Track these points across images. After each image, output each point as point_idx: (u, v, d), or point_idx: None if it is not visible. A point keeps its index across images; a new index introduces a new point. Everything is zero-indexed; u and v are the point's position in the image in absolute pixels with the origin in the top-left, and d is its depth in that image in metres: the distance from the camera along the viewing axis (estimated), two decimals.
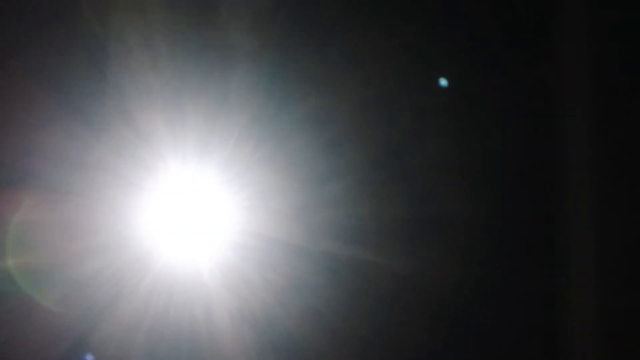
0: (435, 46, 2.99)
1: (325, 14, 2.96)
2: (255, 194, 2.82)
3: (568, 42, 3.03)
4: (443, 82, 2.96)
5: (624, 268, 2.89)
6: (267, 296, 2.79)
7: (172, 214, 2.80)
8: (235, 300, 2.77)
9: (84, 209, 2.69)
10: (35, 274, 2.64)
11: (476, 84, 2.99)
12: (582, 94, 2.99)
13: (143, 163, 2.78)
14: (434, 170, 2.95)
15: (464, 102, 3.00)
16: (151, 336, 2.73)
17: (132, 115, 2.80)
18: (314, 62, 2.94)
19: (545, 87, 3.03)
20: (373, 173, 2.92)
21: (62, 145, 2.71)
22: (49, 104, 2.71)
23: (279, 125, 2.87)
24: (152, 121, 2.79)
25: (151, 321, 2.72)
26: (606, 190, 2.93)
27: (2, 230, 2.63)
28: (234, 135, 2.83)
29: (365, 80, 2.96)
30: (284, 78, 2.91)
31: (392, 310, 2.86)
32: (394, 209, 2.91)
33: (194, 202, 2.81)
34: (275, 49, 2.91)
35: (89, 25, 2.79)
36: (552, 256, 2.95)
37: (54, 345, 2.67)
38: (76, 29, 2.77)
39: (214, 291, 2.76)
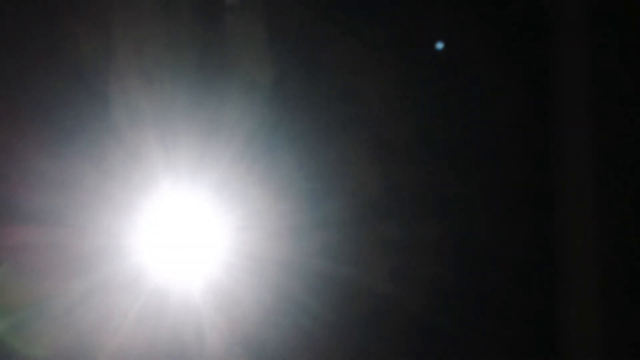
0: (437, 59, 2.98)
1: (326, 29, 2.95)
2: (248, 214, 2.82)
3: (567, 43, 3.01)
4: (439, 45, 2.94)
5: (625, 278, 2.89)
6: (260, 317, 2.79)
7: (164, 235, 2.81)
8: (227, 322, 2.78)
9: (76, 233, 2.70)
10: (26, 299, 2.66)
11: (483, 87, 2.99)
12: (581, 97, 2.98)
13: (136, 185, 2.78)
14: (430, 191, 2.95)
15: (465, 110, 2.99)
16: (143, 358, 2.74)
17: (124, 136, 2.80)
18: (310, 83, 2.93)
19: (544, 89, 3.02)
20: (367, 193, 2.92)
21: (54, 170, 2.72)
22: (39, 129, 2.71)
23: (272, 145, 2.87)
24: (145, 142, 2.80)
25: (143, 343, 2.73)
26: (607, 196, 2.93)
27: None
28: (227, 156, 2.83)
29: (361, 99, 2.96)
30: (279, 98, 2.90)
31: (386, 331, 2.87)
32: (387, 229, 2.91)
33: (187, 223, 2.81)
34: (271, 69, 2.91)
35: (81, 48, 2.79)
36: (554, 270, 2.95)
37: None
38: (70, 54, 2.78)
39: (206, 312, 2.77)
